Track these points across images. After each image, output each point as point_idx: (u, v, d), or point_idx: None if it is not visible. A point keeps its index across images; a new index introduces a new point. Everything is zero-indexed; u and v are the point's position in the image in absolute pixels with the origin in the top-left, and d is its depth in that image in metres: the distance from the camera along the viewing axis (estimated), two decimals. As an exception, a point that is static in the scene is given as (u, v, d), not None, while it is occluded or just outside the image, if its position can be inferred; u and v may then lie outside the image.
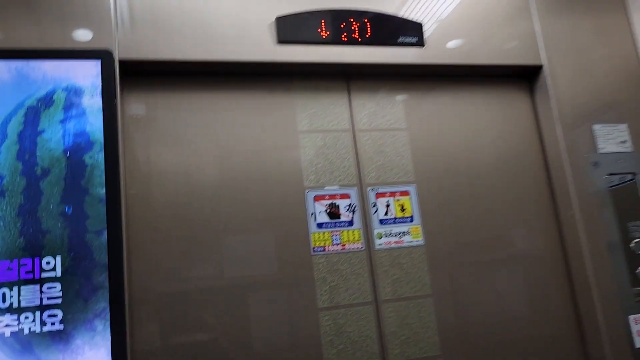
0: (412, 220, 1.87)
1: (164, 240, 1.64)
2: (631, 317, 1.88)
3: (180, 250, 1.65)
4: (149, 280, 1.60)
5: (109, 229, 1.48)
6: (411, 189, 1.90)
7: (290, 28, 1.78)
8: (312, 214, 1.78)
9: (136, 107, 1.72)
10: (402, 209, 1.87)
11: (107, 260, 1.46)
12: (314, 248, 1.76)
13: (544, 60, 2.04)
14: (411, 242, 1.85)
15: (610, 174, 2.00)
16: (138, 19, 1.67)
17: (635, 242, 1.95)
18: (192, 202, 1.69)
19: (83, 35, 1.58)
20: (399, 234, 1.85)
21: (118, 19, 1.64)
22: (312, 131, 1.86)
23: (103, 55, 1.53)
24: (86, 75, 1.53)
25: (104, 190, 1.50)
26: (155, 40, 1.66)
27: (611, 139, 2.04)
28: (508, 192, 2.02)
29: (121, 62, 1.60)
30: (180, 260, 1.64)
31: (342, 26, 1.83)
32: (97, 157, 1.52)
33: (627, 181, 2.02)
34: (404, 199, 1.88)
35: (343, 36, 1.83)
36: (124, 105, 1.68)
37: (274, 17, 1.79)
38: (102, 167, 1.51)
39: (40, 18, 1.56)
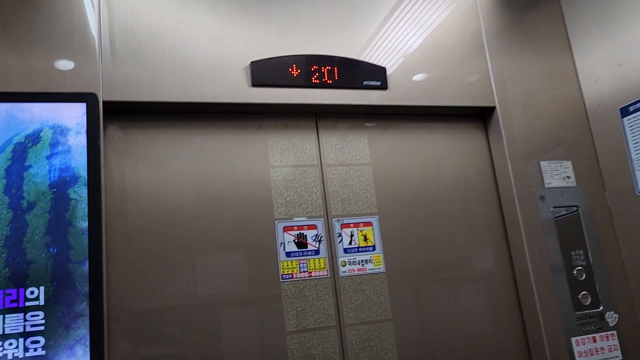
0: (374, 249, 2.02)
1: (142, 265, 1.76)
2: (573, 339, 2.06)
3: (157, 279, 1.76)
4: (126, 304, 1.71)
5: (91, 260, 1.58)
6: (374, 220, 2.06)
7: (264, 72, 1.93)
8: (281, 244, 1.92)
9: (118, 141, 1.83)
10: (365, 239, 2.02)
11: (88, 289, 1.57)
12: (282, 275, 1.89)
13: (496, 102, 2.24)
14: (373, 269, 2.00)
15: (556, 207, 2.19)
16: (122, 62, 1.79)
17: (578, 270, 2.14)
18: (170, 232, 1.81)
19: (70, 77, 1.70)
20: (362, 262, 2.00)
21: (103, 62, 1.76)
22: (283, 166, 2.00)
23: (88, 98, 1.64)
24: (72, 116, 1.64)
25: (86, 223, 1.61)
26: (138, 83, 1.79)
27: (557, 174, 2.24)
28: (464, 221, 2.20)
29: (105, 103, 1.73)
30: (158, 287, 1.76)
31: (312, 70, 1.99)
32: (80, 192, 1.63)
33: (571, 213, 2.22)
34: (367, 230, 2.04)
35: (313, 79, 1.98)
36: (107, 140, 1.79)
37: (249, 62, 1.93)
38: (86, 201, 1.62)
39: (29, 60, 1.67)
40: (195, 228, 1.84)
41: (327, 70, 2.00)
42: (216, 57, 1.91)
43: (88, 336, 1.54)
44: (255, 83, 1.91)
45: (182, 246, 1.81)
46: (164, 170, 1.86)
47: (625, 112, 2.15)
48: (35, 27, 1.70)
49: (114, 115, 1.81)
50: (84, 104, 1.64)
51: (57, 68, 1.69)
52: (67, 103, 1.63)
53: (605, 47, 2.24)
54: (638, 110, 2.09)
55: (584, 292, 2.11)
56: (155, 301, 1.75)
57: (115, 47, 1.80)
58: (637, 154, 2.10)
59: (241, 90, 1.90)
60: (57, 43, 1.71)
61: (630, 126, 2.13)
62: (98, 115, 1.67)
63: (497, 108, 2.23)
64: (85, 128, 1.65)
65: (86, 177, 1.63)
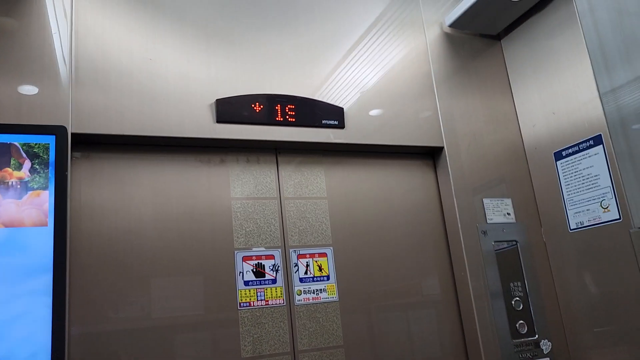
0: (328, 279, 2.14)
1: (102, 295, 1.81)
2: (511, 365, 2.22)
3: (114, 303, 1.82)
4: (85, 327, 1.76)
5: (55, 298, 1.62)
6: (328, 251, 2.18)
7: (229, 109, 2.04)
8: (240, 273, 2.01)
9: (85, 169, 1.90)
10: (320, 269, 2.14)
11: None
12: (240, 303, 1.98)
13: (444, 142, 2.42)
14: (327, 298, 2.12)
15: (497, 241, 2.37)
16: (91, 96, 1.87)
17: (516, 300, 2.32)
18: (132, 262, 1.87)
19: (40, 109, 1.77)
20: (317, 291, 2.11)
21: (72, 96, 1.83)
22: (243, 198, 2.11)
23: (58, 131, 1.71)
24: (41, 147, 1.71)
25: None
26: (106, 116, 1.87)
27: (498, 211, 2.43)
28: (413, 252, 2.34)
29: (74, 135, 1.80)
30: (113, 310, 1.82)
31: (274, 108, 2.12)
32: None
33: (511, 247, 2.40)
34: (322, 260, 2.15)
35: (274, 117, 2.11)
36: (74, 169, 1.86)
37: (215, 99, 2.05)
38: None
39: (-1, 92, 1.74)
40: (155, 256, 1.91)
41: (289, 108, 2.13)
42: (183, 93, 2.01)
43: (48, 362, 1.58)
44: (220, 119, 2.02)
45: (143, 277, 1.88)
46: (125, 198, 1.93)
47: (558, 156, 2.36)
48: (3, 56, 1.77)
49: (82, 146, 1.89)
50: (54, 137, 1.70)
51: (29, 104, 1.76)
52: (35, 135, 1.69)
53: (541, 95, 2.46)
54: (570, 155, 2.30)
55: (521, 321, 2.28)
56: (110, 324, 1.80)
57: (85, 82, 1.88)
58: (568, 194, 2.31)
59: (206, 126, 2.01)
60: (31, 79, 1.78)
61: (562, 169, 2.34)
62: (67, 147, 1.74)
63: (445, 148, 2.41)
64: (54, 160, 1.71)
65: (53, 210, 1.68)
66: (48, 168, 1.69)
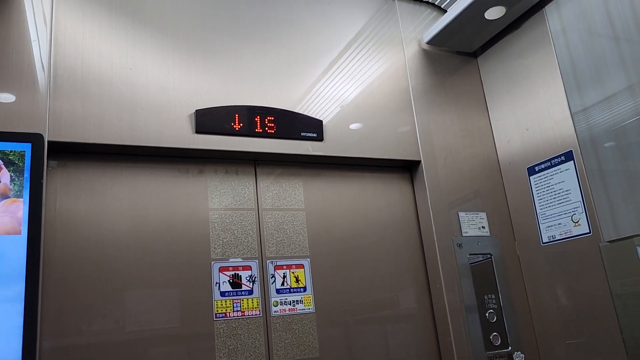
0: (305, 290, 2.15)
1: (74, 302, 1.79)
2: (484, 377, 2.25)
3: (88, 315, 1.80)
4: (58, 340, 1.74)
5: (27, 306, 1.60)
6: (305, 262, 2.19)
7: (208, 119, 2.05)
8: (216, 283, 2.01)
9: (61, 177, 1.88)
10: (297, 280, 2.15)
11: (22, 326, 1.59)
12: (216, 314, 1.98)
13: (421, 156, 2.46)
14: (303, 309, 2.12)
15: (471, 254, 2.41)
16: (69, 104, 1.86)
17: (490, 312, 2.35)
18: (106, 273, 1.86)
19: (17, 116, 1.75)
20: (293, 302, 2.11)
21: (50, 104, 1.83)
22: (221, 209, 2.11)
23: (34, 139, 1.70)
24: (17, 154, 1.69)
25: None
26: (84, 125, 1.86)
27: (473, 224, 2.47)
28: (389, 264, 2.37)
29: (50, 143, 1.79)
30: (88, 322, 1.80)
31: (253, 120, 2.13)
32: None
33: (485, 260, 2.44)
34: (299, 271, 2.16)
35: (253, 129, 2.12)
36: (50, 177, 1.84)
37: (194, 110, 2.06)
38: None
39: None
40: (131, 267, 1.90)
41: (268, 120, 2.15)
42: (162, 103, 2.02)
43: (18, 373, 1.55)
44: (199, 130, 2.03)
45: (119, 288, 1.86)
46: (102, 207, 1.92)
47: (531, 171, 2.42)
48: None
49: (59, 154, 1.87)
50: (29, 144, 1.69)
51: (2, 106, 1.75)
52: (11, 143, 1.68)
53: (516, 112, 2.53)
54: (542, 170, 2.36)
55: (495, 334, 2.32)
56: (83, 337, 1.78)
57: (63, 90, 1.87)
58: (541, 209, 2.37)
59: (185, 136, 2.01)
60: (8, 87, 1.77)
61: (535, 184, 2.40)
62: (43, 155, 1.72)
63: (422, 162, 2.45)
64: (29, 168, 1.70)
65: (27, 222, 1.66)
66: (23, 176, 1.67)
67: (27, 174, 1.68)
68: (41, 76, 1.84)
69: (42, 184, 1.70)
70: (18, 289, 1.58)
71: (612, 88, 2.06)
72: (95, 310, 1.81)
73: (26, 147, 1.70)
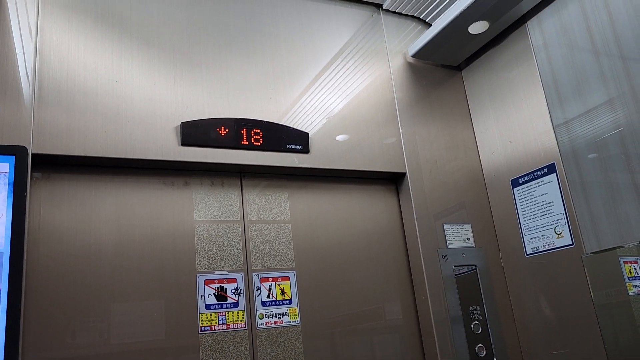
0: (290, 303, 2.15)
1: (57, 313, 1.77)
2: (470, 388, 2.26)
3: (72, 327, 1.78)
4: (41, 353, 1.72)
5: (9, 315, 1.58)
6: (291, 274, 2.19)
7: (194, 132, 2.05)
8: (201, 296, 2.00)
9: (45, 189, 1.87)
10: (283, 293, 2.14)
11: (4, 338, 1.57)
12: (201, 327, 1.97)
13: (407, 168, 2.48)
14: (289, 322, 2.12)
15: (456, 265, 2.43)
16: (54, 116, 1.85)
17: (475, 324, 2.36)
18: (91, 286, 1.84)
19: (0, 128, 1.75)
20: (279, 314, 2.11)
21: (34, 116, 1.82)
22: (207, 221, 2.11)
23: (17, 151, 1.69)
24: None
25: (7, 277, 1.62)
26: (69, 137, 1.85)
27: (458, 236, 2.49)
28: (375, 276, 2.37)
29: (35, 155, 1.78)
30: (72, 335, 1.78)
31: (239, 132, 2.14)
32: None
33: (470, 271, 2.46)
34: (285, 284, 2.16)
35: (239, 141, 2.13)
36: (34, 189, 1.83)
37: (180, 122, 2.06)
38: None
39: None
40: (115, 280, 1.89)
41: (254, 132, 2.16)
42: (148, 116, 2.02)
43: (-2, 389, 1.53)
44: (185, 142, 2.03)
45: (104, 302, 1.85)
46: (86, 220, 1.91)
47: (515, 183, 2.45)
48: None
49: (43, 167, 1.86)
50: (13, 157, 1.68)
51: (-14, 119, 1.74)
52: (-5, 155, 1.67)
53: (499, 125, 2.56)
54: (525, 183, 2.39)
55: (480, 345, 2.33)
56: (67, 350, 1.76)
57: (48, 102, 1.86)
58: (525, 220, 2.39)
59: (171, 149, 2.01)
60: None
61: (519, 196, 2.43)
62: (27, 168, 1.71)
63: (408, 174, 2.47)
64: (12, 180, 1.68)
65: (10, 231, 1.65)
66: (7, 189, 1.66)
67: (10, 187, 1.67)
68: (26, 88, 1.83)
69: (25, 196, 1.69)
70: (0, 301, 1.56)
71: (593, 101, 2.10)
72: (79, 323, 1.79)
73: (9, 160, 1.68)
